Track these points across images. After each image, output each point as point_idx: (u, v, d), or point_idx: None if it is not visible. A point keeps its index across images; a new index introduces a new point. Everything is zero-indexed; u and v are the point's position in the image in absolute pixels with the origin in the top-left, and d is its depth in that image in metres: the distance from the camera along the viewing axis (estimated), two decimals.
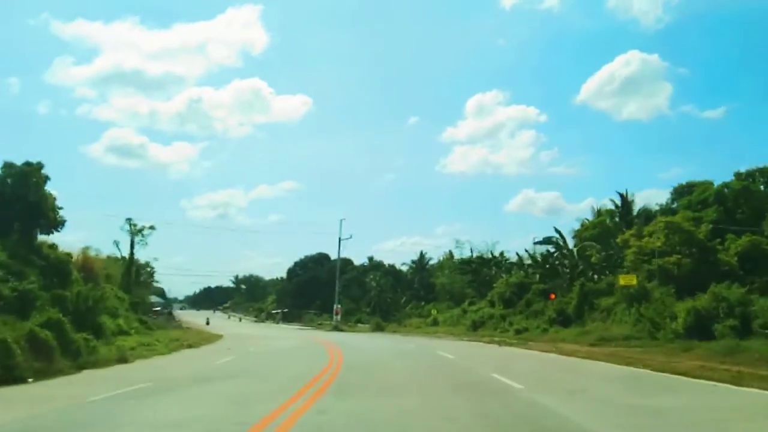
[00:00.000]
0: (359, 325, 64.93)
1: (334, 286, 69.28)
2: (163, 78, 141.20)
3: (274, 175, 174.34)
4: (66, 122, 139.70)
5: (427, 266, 79.07)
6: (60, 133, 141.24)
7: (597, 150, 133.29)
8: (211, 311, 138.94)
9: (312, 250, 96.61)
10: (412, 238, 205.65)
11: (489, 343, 32.05)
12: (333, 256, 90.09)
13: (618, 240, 36.61)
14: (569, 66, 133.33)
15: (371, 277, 77.89)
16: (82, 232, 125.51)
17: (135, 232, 43.53)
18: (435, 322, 52.25)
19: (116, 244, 43.90)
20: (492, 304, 45.57)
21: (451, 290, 62.01)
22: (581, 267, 40.83)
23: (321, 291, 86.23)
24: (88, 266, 30.57)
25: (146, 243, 43.92)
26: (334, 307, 63.12)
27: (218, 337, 38.95)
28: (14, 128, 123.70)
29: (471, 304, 50.89)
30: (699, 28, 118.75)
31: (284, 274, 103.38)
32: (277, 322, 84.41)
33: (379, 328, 56.50)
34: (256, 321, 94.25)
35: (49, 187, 26.54)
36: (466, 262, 62.43)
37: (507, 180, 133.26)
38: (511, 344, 29.93)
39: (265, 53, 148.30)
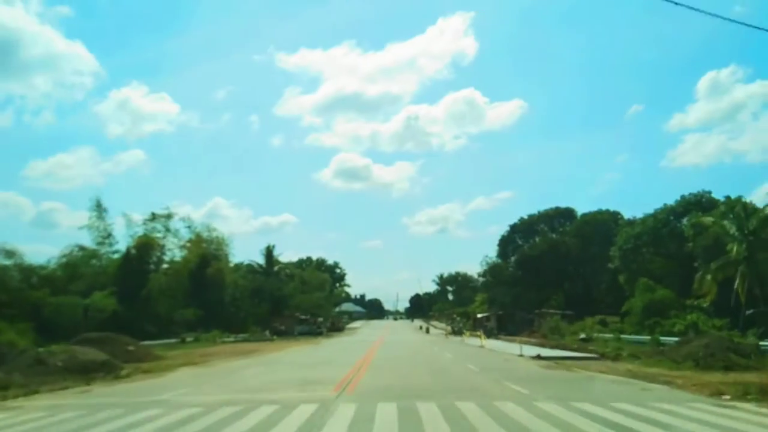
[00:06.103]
0: None
1: (590, 261, 33.99)
2: (380, 99, 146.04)
3: (491, 185, 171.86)
4: (298, 151, 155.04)
5: None
6: (293, 162, 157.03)
7: None
8: (409, 320, 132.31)
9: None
10: None
11: None
12: (579, 211, 53.57)
13: None
14: None
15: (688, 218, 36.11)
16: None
17: None
18: None
19: None
20: None
21: None
22: None
23: (568, 271, 49.10)
24: None
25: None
26: None
27: None
28: (256, 161, 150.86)
29: None
30: None
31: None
32: (490, 336, 44.30)
33: None
34: (448, 334, 56.21)
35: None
36: None
37: (750, 169, 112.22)
38: None
39: (475, 61, 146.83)
